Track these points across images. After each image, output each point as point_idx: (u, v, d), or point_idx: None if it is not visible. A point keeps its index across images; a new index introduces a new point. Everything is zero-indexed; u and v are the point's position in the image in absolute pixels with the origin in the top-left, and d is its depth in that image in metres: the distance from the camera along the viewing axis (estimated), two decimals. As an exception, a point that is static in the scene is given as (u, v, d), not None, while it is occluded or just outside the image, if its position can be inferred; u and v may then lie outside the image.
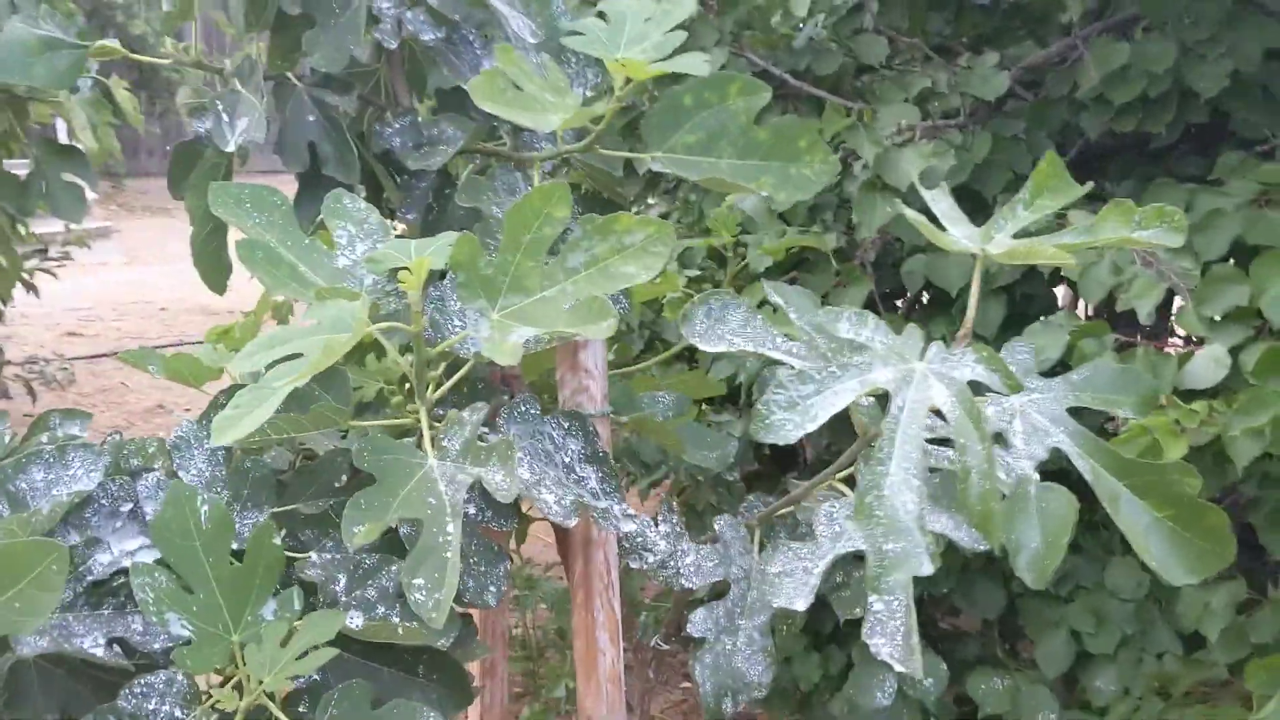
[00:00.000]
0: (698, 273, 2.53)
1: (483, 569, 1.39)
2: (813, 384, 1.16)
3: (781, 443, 1.14)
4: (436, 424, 1.27)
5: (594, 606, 1.56)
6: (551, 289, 1.18)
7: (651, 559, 1.61)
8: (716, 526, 1.61)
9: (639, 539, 1.63)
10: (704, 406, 2.76)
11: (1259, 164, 2.14)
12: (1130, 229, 1.21)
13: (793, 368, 1.34)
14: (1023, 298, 2.19)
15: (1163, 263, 1.81)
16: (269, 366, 1.06)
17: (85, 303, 7.77)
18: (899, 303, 2.58)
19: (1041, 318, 1.84)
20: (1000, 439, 1.25)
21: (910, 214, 1.25)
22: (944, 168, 2.03)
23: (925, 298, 2.60)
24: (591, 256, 1.18)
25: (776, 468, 3.01)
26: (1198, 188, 2.10)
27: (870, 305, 2.37)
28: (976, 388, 1.19)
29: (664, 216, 3.32)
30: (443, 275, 1.36)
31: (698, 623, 1.52)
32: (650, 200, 3.24)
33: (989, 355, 1.17)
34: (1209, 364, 1.64)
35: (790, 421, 1.14)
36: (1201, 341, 1.75)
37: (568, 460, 1.40)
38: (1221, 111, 2.26)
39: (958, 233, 1.28)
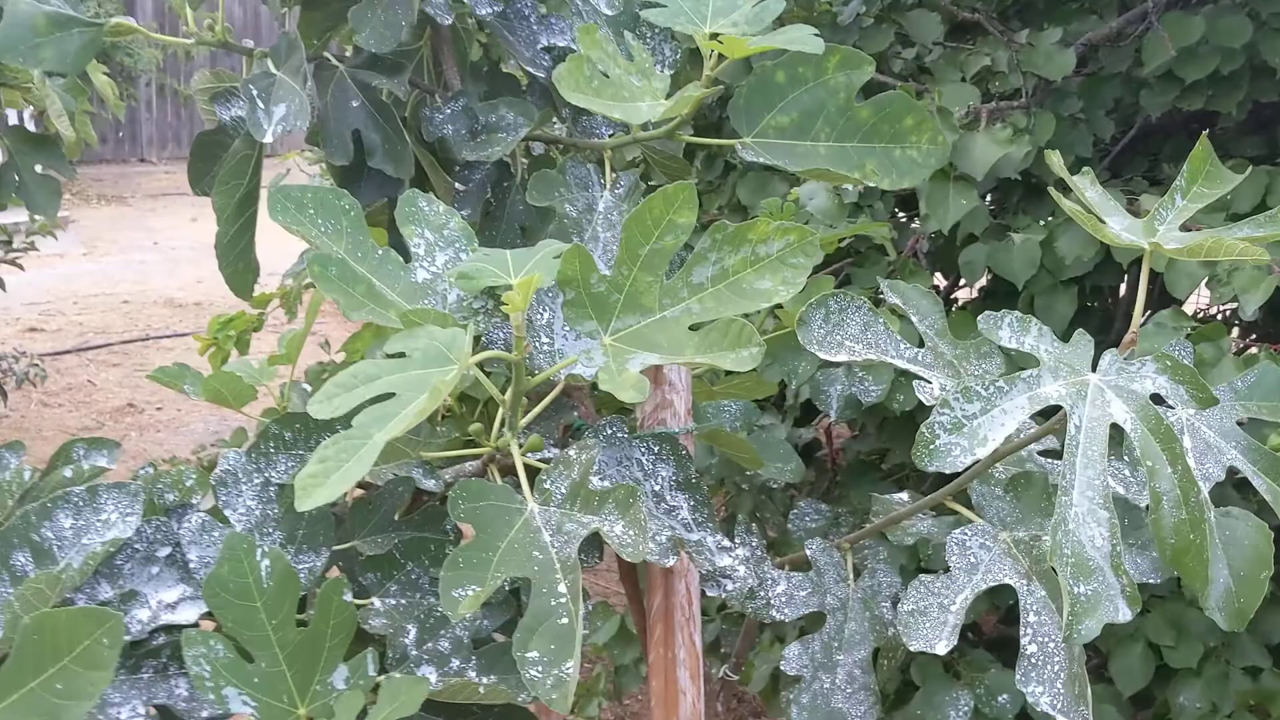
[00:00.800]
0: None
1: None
2: (979, 401, 1.00)
3: (949, 470, 0.99)
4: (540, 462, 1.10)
5: (674, 642, 1.40)
6: (674, 308, 1.01)
7: (731, 586, 1.45)
8: (809, 551, 1.46)
9: (744, 556, 1.47)
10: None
11: (1333, 144, 2.03)
12: (1323, 218, 1.07)
13: (935, 384, 1.19)
14: (1093, 290, 2.06)
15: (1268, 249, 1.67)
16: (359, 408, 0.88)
17: (44, 297, 7.42)
18: (949, 296, 2.44)
19: (1151, 314, 1.70)
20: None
21: (1069, 205, 1.10)
22: (1020, 154, 1.88)
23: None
24: (721, 270, 1.01)
25: (811, 470, 2.87)
26: (1273, 169, 1.98)
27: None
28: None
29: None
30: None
31: (793, 660, 1.37)
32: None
33: (1173, 365, 1.03)
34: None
35: (957, 446, 0.99)
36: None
37: (658, 488, 1.24)
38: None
39: (1117, 225, 1.13)
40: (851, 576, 1.46)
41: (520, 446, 1.09)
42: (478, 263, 1.03)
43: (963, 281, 2.31)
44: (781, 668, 1.39)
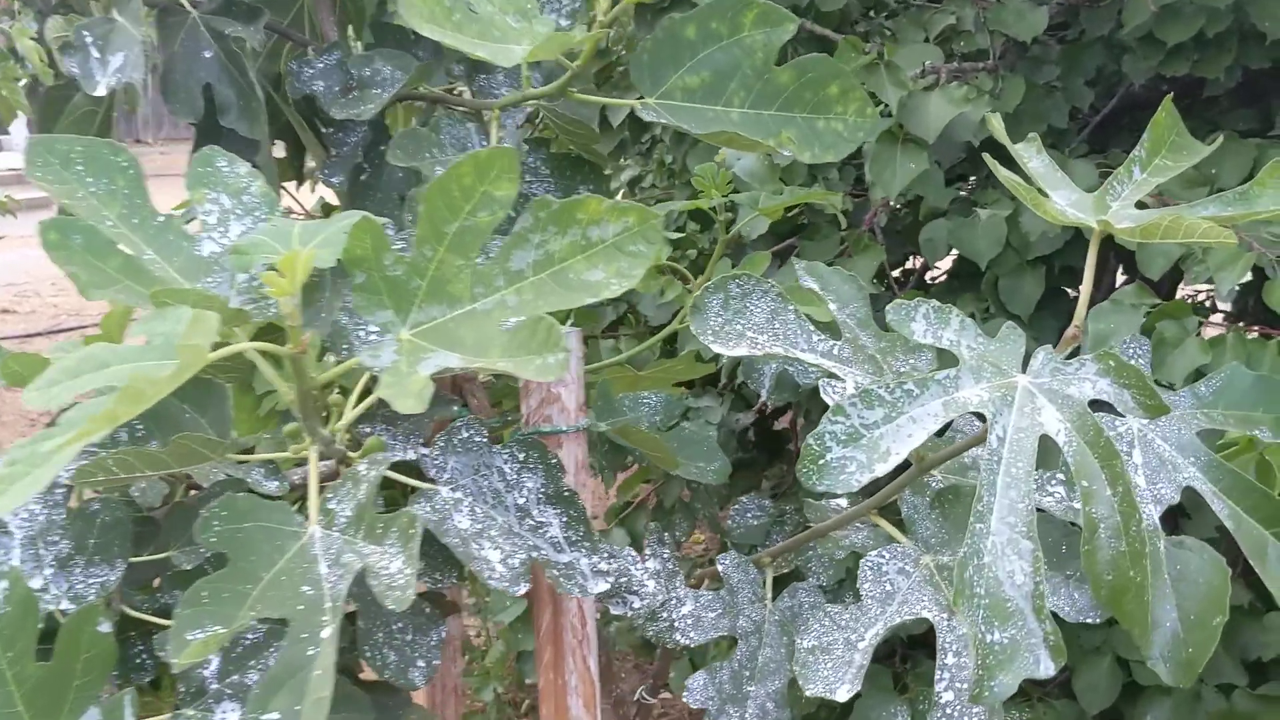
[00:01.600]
0: (679, 235, 2.19)
1: (409, 637, 1.07)
2: (881, 407, 0.84)
3: (840, 491, 0.83)
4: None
5: (565, 667, 1.24)
6: (487, 299, 0.84)
7: (638, 604, 1.29)
8: (720, 566, 1.30)
9: (623, 580, 1.31)
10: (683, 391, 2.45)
11: (1328, 116, 1.85)
12: (1298, 195, 0.90)
13: (849, 383, 1.02)
14: (1063, 271, 1.88)
15: (1243, 229, 1.51)
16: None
17: (22, 278, 7.23)
18: (924, 276, 2.26)
19: (1109, 295, 1.54)
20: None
21: (1005, 174, 0.93)
22: (977, 117, 1.71)
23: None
24: (545, 255, 0.84)
25: (764, 454, 2.70)
26: (1264, 143, 1.80)
27: (881, 278, 2.05)
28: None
29: (635, 181, 2.97)
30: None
31: (697, 691, 1.21)
32: (623, 160, 2.89)
33: (1117, 365, 0.86)
34: (1317, 356, 1.36)
35: (852, 461, 0.83)
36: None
37: (523, 501, 1.07)
38: (1276, 59, 1.96)
39: (1063, 200, 0.96)
40: (769, 596, 1.30)
41: (324, 453, 0.93)
42: (259, 236, 0.85)
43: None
44: (685, 699, 1.24)
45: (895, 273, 2.36)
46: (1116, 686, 1.79)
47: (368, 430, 1.18)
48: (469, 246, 0.85)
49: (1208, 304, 2.28)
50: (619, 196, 3.17)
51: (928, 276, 2.33)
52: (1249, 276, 1.52)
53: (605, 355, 2.23)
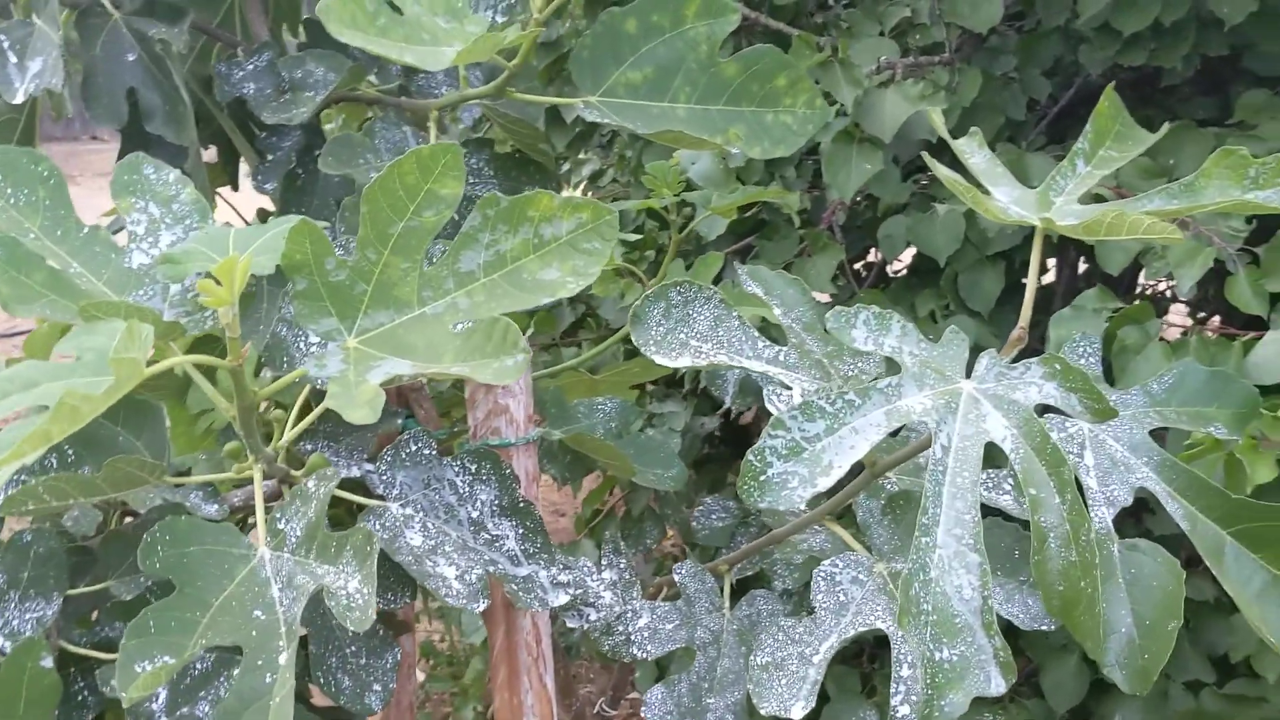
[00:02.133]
0: (636, 236, 2.16)
1: (363, 661, 1.04)
2: (823, 419, 0.81)
3: (784, 507, 0.80)
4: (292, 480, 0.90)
5: (520, 686, 1.21)
6: (437, 302, 0.81)
7: (595, 616, 1.27)
8: (676, 576, 1.27)
9: (579, 592, 1.28)
10: (644, 391, 2.41)
11: (1287, 103, 1.84)
12: (1244, 188, 0.88)
13: (796, 389, 0.99)
14: (1023, 265, 1.86)
15: (1202, 222, 1.49)
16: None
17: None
18: (884, 271, 2.23)
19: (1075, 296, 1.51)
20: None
21: (945, 172, 0.91)
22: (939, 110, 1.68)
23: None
24: (496, 255, 0.81)
25: (729, 451, 2.67)
26: (1222, 131, 1.78)
27: (842, 276, 2.03)
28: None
29: (596, 177, 2.93)
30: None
31: (655, 705, 1.19)
32: (582, 155, 2.85)
33: (1063, 369, 0.84)
34: (1278, 352, 1.34)
35: (794, 475, 0.80)
36: (1255, 323, 1.45)
37: (477, 515, 1.04)
38: (1234, 46, 1.95)
39: (1005, 197, 0.94)
40: (727, 605, 1.27)
41: (267, 472, 0.90)
42: (193, 245, 0.82)
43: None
44: (643, 713, 1.21)
45: (857, 265, 2.34)
46: (1084, 684, 1.77)
47: (309, 448, 1.15)
48: (415, 248, 0.82)
49: (1168, 294, 2.27)
50: (579, 192, 3.13)
51: (889, 270, 2.31)
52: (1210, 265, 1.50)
53: (567, 360, 2.20)
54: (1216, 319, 2.15)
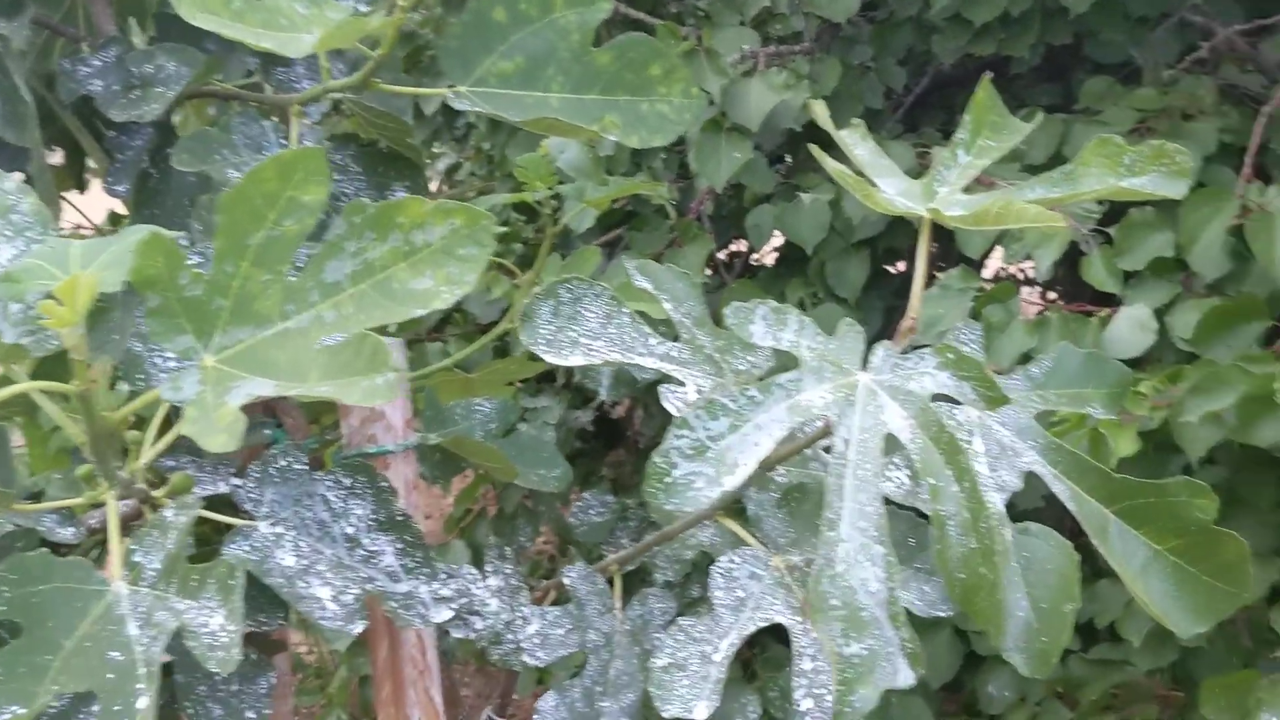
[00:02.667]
0: (503, 229, 2.11)
1: (235, 687, 0.98)
2: (726, 417, 0.80)
3: (691, 509, 0.78)
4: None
5: (406, 701, 1.17)
6: (301, 316, 0.76)
7: (481, 624, 1.22)
8: (566, 580, 1.24)
9: (462, 600, 1.24)
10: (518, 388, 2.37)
11: (1125, 89, 1.92)
12: (1119, 175, 0.90)
13: (690, 386, 0.98)
14: (887, 253, 1.90)
15: (1059, 206, 1.54)
16: None
17: None
18: (749, 260, 2.24)
19: (937, 277, 1.54)
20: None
21: (833, 165, 0.90)
22: (798, 103, 1.69)
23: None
24: (364, 265, 0.76)
25: (601, 445, 2.66)
26: (1070, 118, 1.86)
27: (710, 267, 2.03)
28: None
29: (452, 170, 2.86)
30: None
31: (548, 712, 1.16)
32: (436, 148, 2.78)
33: (957, 358, 0.84)
34: (1133, 328, 1.40)
35: (700, 476, 0.78)
36: (1109, 300, 1.51)
37: (352, 531, 0.99)
38: (1077, 34, 2.03)
39: (892, 189, 0.94)
40: (618, 605, 1.25)
41: (124, 494, 0.83)
42: (32, 260, 0.75)
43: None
44: (535, 720, 1.18)
45: (722, 255, 2.35)
46: (958, 658, 1.82)
47: (171, 464, 1.07)
48: (277, 259, 0.76)
49: (1020, 276, 2.36)
50: (435, 186, 3.05)
51: (753, 259, 2.32)
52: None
53: (433, 359, 2.14)
54: (1059, 296, 2.24)
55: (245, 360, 0.74)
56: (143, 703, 0.67)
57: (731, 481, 0.78)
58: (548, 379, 2.33)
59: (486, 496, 2.30)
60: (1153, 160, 0.89)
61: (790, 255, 2.02)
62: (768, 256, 2.25)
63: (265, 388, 0.71)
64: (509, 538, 1.91)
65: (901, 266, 2.35)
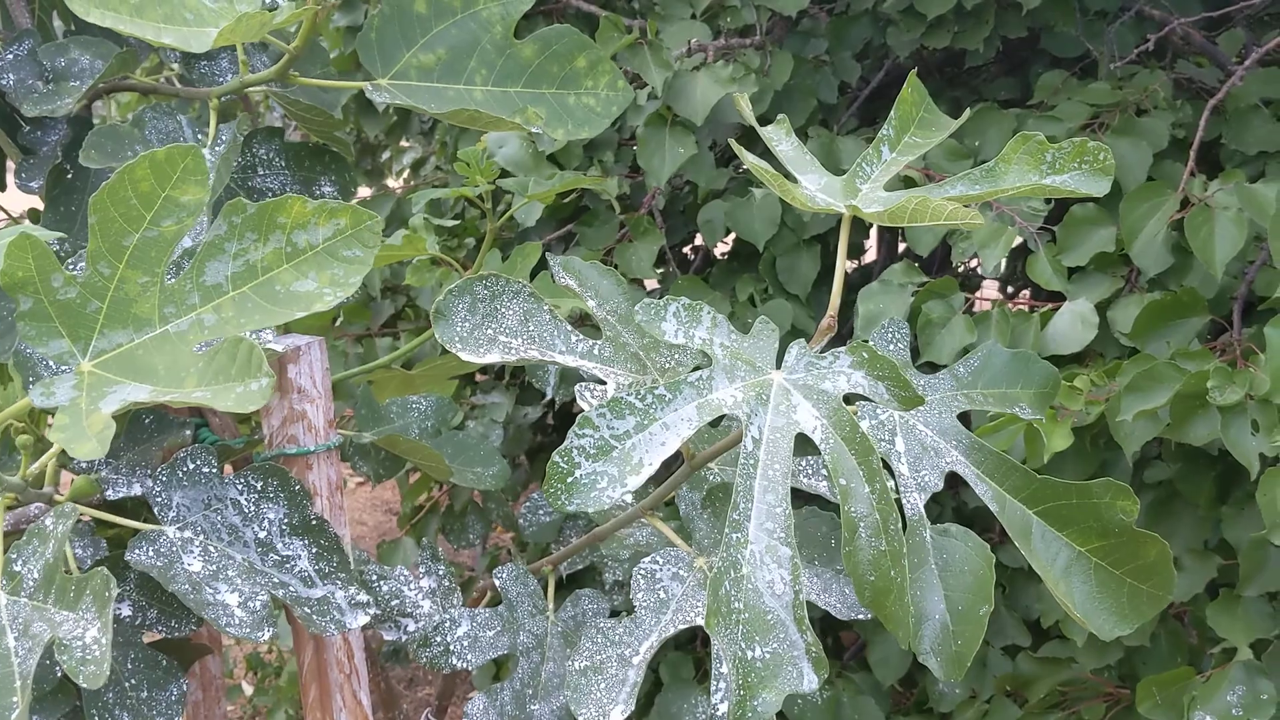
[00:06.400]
0: (454, 222, 2.09)
1: (145, 694, 0.96)
2: (633, 415, 0.78)
3: (593, 509, 0.76)
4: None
5: (333, 706, 1.15)
6: (180, 319, 0.74)
7: (413, 627, 1.21)
8: (496, 581, 1.22)
9: (394, 602, 1.22)
10: (468, 383, 2.35)
11: (1080, 83, 1.91)
12: (1041, 173, 0.88)
13: (611, 383, 0.96)
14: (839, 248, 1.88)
15: (1004, 204, 1.53)
16: None
17: None
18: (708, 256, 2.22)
19: (881, 273, 1.53)
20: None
21: (752, 160, 0.89)
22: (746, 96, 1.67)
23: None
24: (246, 266, 0.74)
25: (561, 439, 2.63)
26: (1023, 112, 1.84)
27: (662, 262, 2.01)
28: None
29: (418, 164, 2.83)
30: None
31: (477, 715, 1.14)
32: (405, 143, 2.75)
33: (870, 357, 0.82)
34: (1074, 323, 1.38)
35: (604, 476, 0.77)
36: (1054, 296, 1.49)
37: (264, 535, 0.97)
38: (1032, 28, 2.02)
39: (812, 185, 0.92)
40: (551, 607, 1.23)
41: (21, 500, 0.81)
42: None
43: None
44: (464, 722, 1.16)
45: (685, 249, 2.33)
46: (909, 658, 1.81)
47: (83, 465, 1.05)
48: (154, 261, 0.74)
49: (978, 271, 2.34)
50: (401, 180, 3.02)
51: (719, 254, 2.31)
52: (1017, 242, 1.54)
53: (383, 353, 2.12)
54: (1027, 293, 2.23)
55: (123, 365, 0.72)
56: (16, 716, 0.65)
57: (635, 481, 0.76)
58: (499, 375, 2.31)
59: (442, 493, 2.28)
60: (1074, 158, 0.88)
61: (742, 251, 2.01)
62: (721, 251, 2.23)
63: (141, 393, 0.69)
64: (458, 535, 1.89)
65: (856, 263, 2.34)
